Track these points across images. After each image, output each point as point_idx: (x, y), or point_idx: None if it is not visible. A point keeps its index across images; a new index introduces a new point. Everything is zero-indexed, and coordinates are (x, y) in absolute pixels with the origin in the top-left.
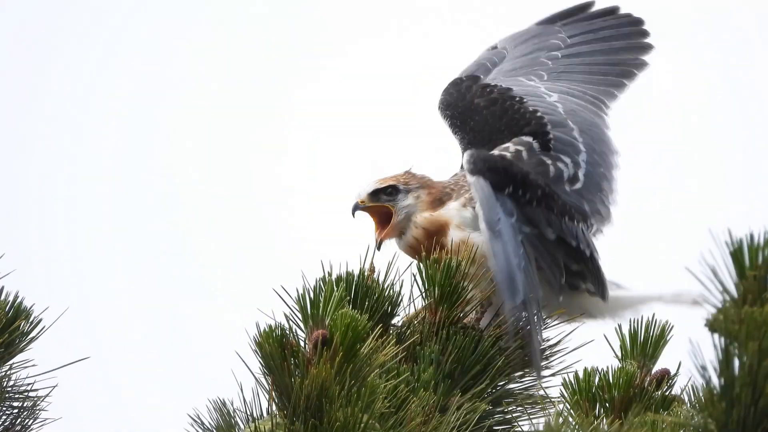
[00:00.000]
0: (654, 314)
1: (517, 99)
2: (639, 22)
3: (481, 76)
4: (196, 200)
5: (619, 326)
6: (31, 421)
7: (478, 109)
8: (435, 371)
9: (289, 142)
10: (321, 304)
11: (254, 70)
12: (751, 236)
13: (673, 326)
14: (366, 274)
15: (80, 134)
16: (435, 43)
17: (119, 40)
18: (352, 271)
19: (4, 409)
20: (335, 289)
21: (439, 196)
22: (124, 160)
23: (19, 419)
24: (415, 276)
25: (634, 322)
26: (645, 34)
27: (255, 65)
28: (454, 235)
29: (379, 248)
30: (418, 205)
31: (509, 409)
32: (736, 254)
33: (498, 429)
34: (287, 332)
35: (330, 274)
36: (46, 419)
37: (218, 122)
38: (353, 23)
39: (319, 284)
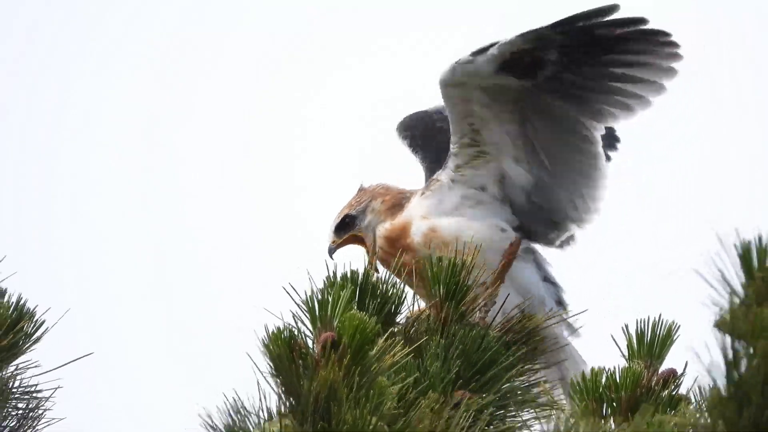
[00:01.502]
0: (660, 314)
1: None
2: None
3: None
4: (199, 199)
5: (626, 326)
6: (37, 421)
7: (442, 131)
8: (442, 366)
9: (293, 142)
10: (329, 306)
11: (260, 71)
12: (760, 238)
13: (679, 326)
14: (371, 272)
15: (81, 133)
16: (444, 48)
17: (132, 40)
18: (356, 269)
19: (9, 410)
20: (344, 289)
21: (398, 201)
22: (126, 159)
23: (25, 420)
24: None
25: (640, 321)
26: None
27: (260, 66)
28: (421, 226)
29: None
30: (377, 218)
31: (519, 410)
32: (744, 256)
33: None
34: (296, 334)
35: (335, 275)
36: (52, 419)
37: (220, 122)
38: (367, 26)
39: (327, 286)
